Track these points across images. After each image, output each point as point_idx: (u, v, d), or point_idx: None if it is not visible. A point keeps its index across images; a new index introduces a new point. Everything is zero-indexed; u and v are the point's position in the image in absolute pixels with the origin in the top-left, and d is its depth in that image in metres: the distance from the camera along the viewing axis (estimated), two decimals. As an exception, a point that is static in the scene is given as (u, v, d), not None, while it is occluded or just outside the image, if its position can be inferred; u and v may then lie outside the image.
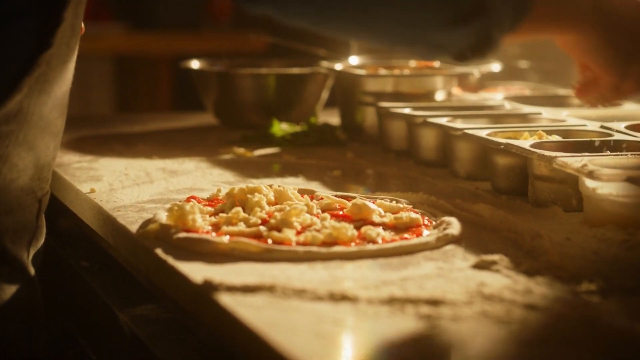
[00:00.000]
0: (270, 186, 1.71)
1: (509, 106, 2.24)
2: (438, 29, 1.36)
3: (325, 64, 2.54)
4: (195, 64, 2.66)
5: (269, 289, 1.31)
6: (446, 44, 1.39)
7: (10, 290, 1.52)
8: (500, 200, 1.79)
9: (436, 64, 2.56)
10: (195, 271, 1.38)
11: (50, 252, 2.06)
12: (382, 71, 2.44)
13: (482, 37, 1.37)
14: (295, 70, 2.57)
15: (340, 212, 1.63)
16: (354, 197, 1.72)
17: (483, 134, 1.87)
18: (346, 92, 2.44)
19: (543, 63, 2.73)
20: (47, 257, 2.06)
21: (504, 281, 1.35)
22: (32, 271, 1.57)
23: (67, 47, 1.45)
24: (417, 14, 1.36)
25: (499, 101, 2.32)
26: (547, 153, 1.68)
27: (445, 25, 1.35)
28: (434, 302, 1.27)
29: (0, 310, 1.49)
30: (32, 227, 1.54)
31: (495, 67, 2.50)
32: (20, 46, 1.39)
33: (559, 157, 1.65)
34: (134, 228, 1.60)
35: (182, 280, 1.39)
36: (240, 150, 2.27)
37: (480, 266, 1.41)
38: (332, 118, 2.57)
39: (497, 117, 2.11)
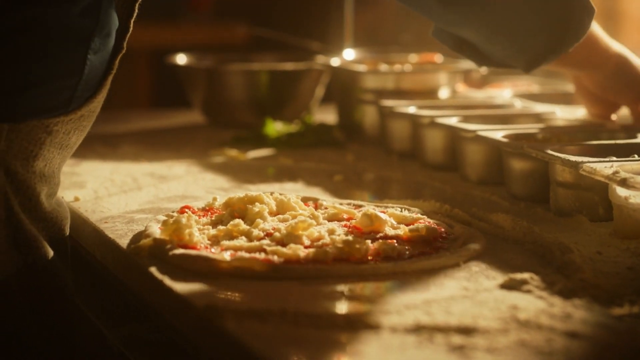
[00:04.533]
0: (271, 194, 1.58)
1: (519, 104, 2.11)
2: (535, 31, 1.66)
3: (320, 58, 2.40)
4: (181, 59, 2.52)
5: (280, 314, 1.18)
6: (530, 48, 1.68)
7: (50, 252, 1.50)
8: (519, 209, 1.66)
9: (438, 59, 2.43)
10: (196, 294, 1.25)
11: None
12: (383, 67, 2.31)
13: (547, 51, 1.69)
14: (289, 66, 2.43)
15: (348, 223, 1.51)
16: (361, 206, 1.60)
17: (498, 135, 1.75)
18: (344, 89, 2.31)
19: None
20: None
21: (538, 304, 1.23)
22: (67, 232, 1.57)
23: None
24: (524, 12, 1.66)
25: (509, 99, 2.20)
26: (572, 158, 1.55)
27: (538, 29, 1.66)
28: (466, 331, 1.14)
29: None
30: None
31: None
32: (110, 47, 1.50)
33: (585, 162, 1.52)
34: (124, 242, 1.47)
35: (182, 303, 1.26)
36: (233, 152, 2.14)
37: (509, 286, 1.29)
38: (328, 116, 2.45)
39: (508, 116, 1.98)
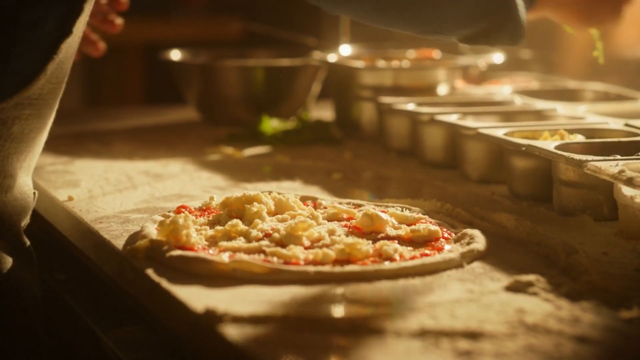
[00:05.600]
0: (269, 193, 1.55)
1: (519, 101, 2.08)
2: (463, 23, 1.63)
3: (317, 54, 2.37)
4: (175, 55, 2.48)
5: (282, 319, 1.15)
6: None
7: (8, 261, 1.47)
8: (522, 208, 1.63)
9: (436, 55, 2.40)
10: (194, 297, 1.22)
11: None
12: (381, 63, 2.27)
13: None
14: (285, 62, 2.40)
15: (348, 223, 1.47)
16: (361, 205, 1.56)
17: (499, 133, 1.72)
18: (341, 86, 2.28)
19: (546, 53, 2.58)
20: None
21: (545, 307, 1.20)
22: (28, 242, 1.53)
23: (78, 39, 1.48)
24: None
25: (509, 96, 2.17)
26: (576, 156, 1.52)
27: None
28: (472, 335, 1.11)
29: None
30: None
31: (498, 58, 2.34)
32: (46, 32, 1.43)
33: (590, 161, 1.49)
34: (119, 243, 1.44)
35: (180, 307, 1.23)
36: (229, 150, 2.10)
37: (515, 288, 1.26)
38: (325, 113, 2.41)
39: (509, 114, 1.95)
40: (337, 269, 1.30)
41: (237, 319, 1.15)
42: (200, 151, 2.11)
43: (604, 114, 1.94)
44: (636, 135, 1.72)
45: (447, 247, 1.39)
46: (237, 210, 1.50)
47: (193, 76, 2.40)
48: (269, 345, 1.09)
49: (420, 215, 1.51)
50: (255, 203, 1.50)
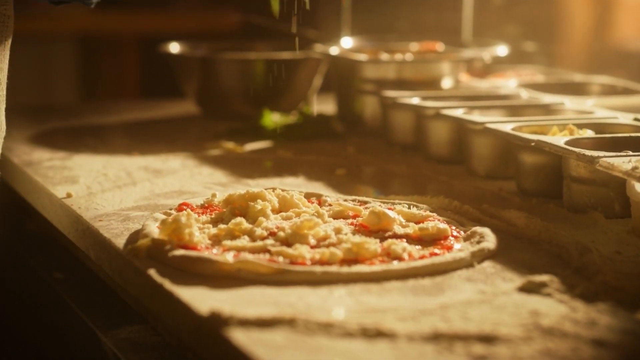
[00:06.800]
0: (273, 190, 1.51)
1: (525, 95, 2.04)
2: None
3: (318, 47, 2.33)
4: (174, 48, 2.44)
5: (289, 322, 1.12)
6: None
7: None
8: (531, 205, 1.60)
9: (440, 47, 2.36)
10: (199, 299, 1.19)
11: (20, 261, 1.86)
12: (384, 56, 2.23)
13: None
14: (286, 55, 2.36)
15: (354, 221, 1.44)
16: (366, 202, 1.53)
17: (507, 128, 1.68)
18: (343, 79, 2.24)
19: (550, 45, 2.55)
20: (16, 267, 1.86)
21: (560, 309, 1.17)
22: None
23: None
24: None
25: (514, 89, 2.13)
26: (588, 152, 1.49)
27: None
28: (487, 339, 1.08)
29: None
30: None
31: (502, 50, 2.30)
32: None
33: (602, 157, 1.46)
34: (119, 242, 1.40)
35: (183, 309, 1.19)
36: (230, 145, 2.06)
37: (528, 289, 1.23)
38: (327, 107, 2.37)
39: (515, 108, 1.92)
40: (345, 269, 1.26)
41: (244, 322, 1.11)
42: (200, 146, 2.07)
43: (612, 108, 1.91)
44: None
45: (456, 245, 1.36)
46: (240, 208, 1.46)
47: (192, 69, 2.36)
48: (276, 350, 1.06)
49: (428, 212, 1.48)
50: (259, 200, 1.46)
